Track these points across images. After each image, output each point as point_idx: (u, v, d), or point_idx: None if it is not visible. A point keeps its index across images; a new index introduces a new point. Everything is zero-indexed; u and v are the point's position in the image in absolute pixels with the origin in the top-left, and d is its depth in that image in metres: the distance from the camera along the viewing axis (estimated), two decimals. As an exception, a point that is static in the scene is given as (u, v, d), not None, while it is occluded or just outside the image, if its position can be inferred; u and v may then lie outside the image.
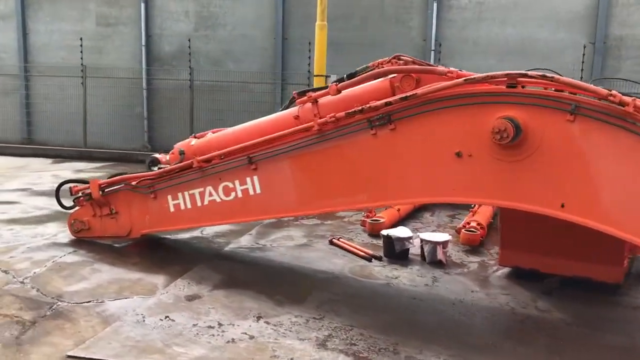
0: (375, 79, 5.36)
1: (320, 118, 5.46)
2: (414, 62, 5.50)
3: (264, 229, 7.45)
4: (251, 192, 5.69)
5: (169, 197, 6.15)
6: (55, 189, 6.86)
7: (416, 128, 4.91)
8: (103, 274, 5.56)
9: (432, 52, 13.92)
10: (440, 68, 5.00)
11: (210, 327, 4.42)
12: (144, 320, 4.48)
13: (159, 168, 6.49)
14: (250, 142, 5.66)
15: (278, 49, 15.46)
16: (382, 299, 5.19)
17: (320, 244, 6.88)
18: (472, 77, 4.69)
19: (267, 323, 4.52)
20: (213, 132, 6.53)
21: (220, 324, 4.47)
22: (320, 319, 4.64)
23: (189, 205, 6.04)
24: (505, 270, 6.02)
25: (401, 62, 5.57)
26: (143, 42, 16.23)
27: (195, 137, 6.75)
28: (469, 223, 7.26)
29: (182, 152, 6.15)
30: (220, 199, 5.85)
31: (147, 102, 16.40)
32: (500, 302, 5.20)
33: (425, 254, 6.28)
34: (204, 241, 6.89)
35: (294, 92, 6.12)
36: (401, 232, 6.48)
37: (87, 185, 6.56)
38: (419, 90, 4.84)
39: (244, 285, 5.34)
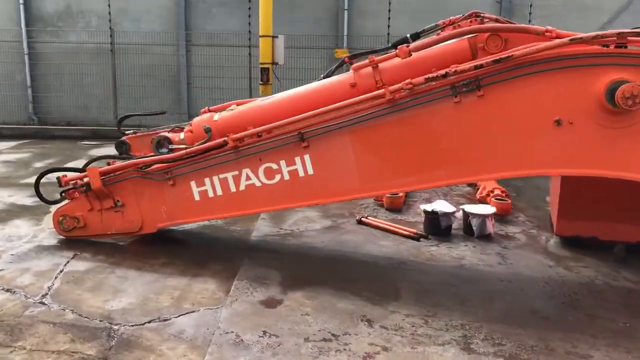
0: (451, 39, 4.74)
1: (382, 85, 4.81)
2: (497, 21, 4.94)
3: (272, 212, 6.65)
4: (301, 173, 4.91)
5: (193, 183, 5.18)
6: (35, 180, 5.57)
7: (509, 94, 4.40)
8: (136, 282, 4.56)
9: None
10: (536, 27, 4.50)
11: (325, 339, 3.68)
12: (242, 340, 3.64)
13: (170, 150, 5.45)
14: (301, 116, 4.84)
15: (181, 8, 14.27)
16: (473, 285, 4.70)
17: (349, 225, 6.24)
18: (578, 36, 4.24)
19: (384, 328, 3.86)
20: (237, 104, 5.58)
21: (334, 335, 3.74)
22: (434, 315, 4.07)
23: (219, 192, 5.13)
24: (556, 239, 5.78)
25: (479, 20, 4.99)
26: (21, 0, 14.23)
27: (210, 111, 5.77)
28: (492, 191, 6.95)
29: (208, 130, 5.16)
30: (261, 182, 5.01)
31: (29, 69, 14.56)
32: (587, 275, 4.92)
33: (474, 227, 5.87)
34: (220, 230, 5.98)
35: (344, 56, 5.36)
36: (443, 206, 6.01)
37: (82, 174, 5.38)
38: (517, 52, 4.30)
39: (314, 282, 4.60)
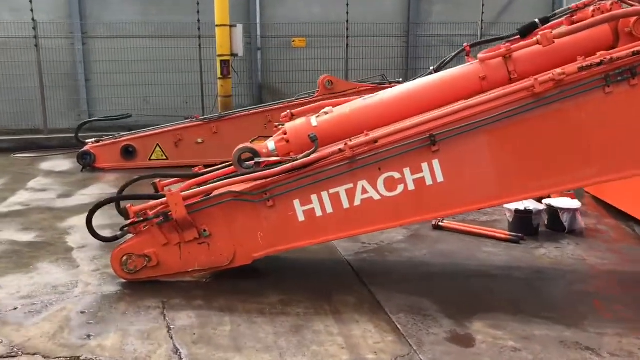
0: (601, 23, 4.30)
1: (516, 77, 4.32)
2: (640, 3, 4.57)
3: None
4: (428, 181, 4.28)
5: (297, 201, 4.36)
6: (88, 214, 4.42)
7: (666, 82, 4.09)
8: (278, 331, 3.68)
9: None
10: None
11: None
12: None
13: (256, 163, 4.54)
14: (431, 116, 4.22)
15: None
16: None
17: (426, 230, 5.68)
18: None
19: (615, 355, 3.38)
20: (333, 106, 4.76)
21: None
22: (642, 331, 3.66)
23: (329, 210, 4.35)
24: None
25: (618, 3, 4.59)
26: None
27: (293, 115, 4.91)
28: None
29: (315, 138, 4.32)
30: (380, 195, 4.31)
31: None
32: None
33: (564, 222, 5.56)
34: (294, 252, 5.13)
35: (465, 44, 4.75)
36: (532, 203, 5.64)
37: (156, 202, 4.33)
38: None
39: (477, 307, 4.00)
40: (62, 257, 5.04)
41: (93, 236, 4.50)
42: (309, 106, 5.03)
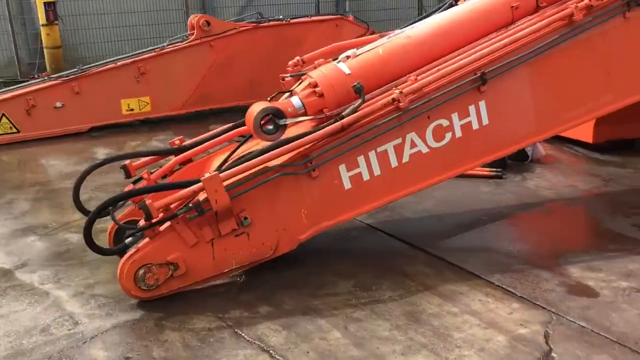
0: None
1: (545, 4, 4.12)
2: None
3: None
4: (475, 125, 3.95)
5: (342, 167, 3.67)
6: (86, 222, 3.15)
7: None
8: (408, 332, 3.07)
9: None
10: None
11: None
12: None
13: (283, 124, 3.64)
14: (479, 54, 3.81)
15: None
16: None
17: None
18: None
19: None
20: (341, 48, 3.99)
21: None
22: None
23: (376, 172, 3.77)
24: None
25: None
26: None
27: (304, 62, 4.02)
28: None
29: (360, 88, 3.57)
30: (429, 147, 3.86)
31: None
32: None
33: (528, 152, 5.69)
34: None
35: None
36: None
37: (189, 190, 3.22)
38: None
39: (570, 250, 3.86)
40: (8, 286, 3.60)
41: (93, 249, 3.25)
42: (318, 51, 4.20)
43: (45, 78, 7.36)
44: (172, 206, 3.25)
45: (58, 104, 7.27)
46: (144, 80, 7.69)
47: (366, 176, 3.73)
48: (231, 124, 4.19)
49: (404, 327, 3.06)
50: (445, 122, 3.82)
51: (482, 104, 3.89)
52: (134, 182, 3.88)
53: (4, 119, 7.01)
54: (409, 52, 3.90)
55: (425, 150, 3.81)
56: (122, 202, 3.53)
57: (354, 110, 3.57)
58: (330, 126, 3.52)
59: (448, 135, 3.85)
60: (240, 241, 3.46)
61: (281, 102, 3.75)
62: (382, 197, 3.83)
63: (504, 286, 3.43)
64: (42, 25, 9.10)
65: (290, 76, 3.98)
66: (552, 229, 4.36)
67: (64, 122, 7.32)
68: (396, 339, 2.95)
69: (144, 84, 7.70)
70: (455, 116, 3.84)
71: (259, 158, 3.39)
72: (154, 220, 3.21)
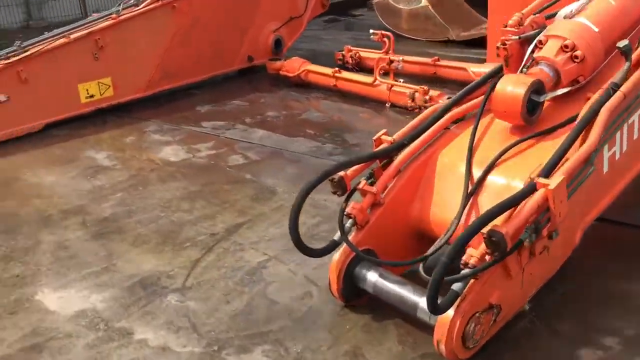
0: None
1: None
2: None
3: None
4: None
5: (605, 147, 3.07)
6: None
7: None
8: None
9: None
10: None
11: None
12: None
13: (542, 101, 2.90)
14: None
15: None
16: None
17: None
18: None
19: None
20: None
21: None
22: None
23: (624, 147, 3.21)
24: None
25: None
26: None
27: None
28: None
29: (628, 49, 2.92)
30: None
31: None
32: None
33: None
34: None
35: None
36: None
37: (528, 204, 2.38)
38: None
39: None
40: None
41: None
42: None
43: (-26, 63, 5.37)
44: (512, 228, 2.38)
45: (2, 98, 5.37)
46: (103, 57, 6.02)
47: (617, 154, 3.17)
48: (448, 100, 3.30)
49: None
50: None
51: None
52: (347, 198, 2.86)
53: None
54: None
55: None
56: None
57: (624, 77, 2.96)
58: (614, 98, 2.86)
59: None
60: (541, 259, 2.71)
61: (534, 73, 2.98)
62: (627, 175, 3.31)
63: None
64: None
65: (520, 38, 3.16)
66: None
67: (10, 122, 5.44)
68: None
69: (103, 61, 6.03)
70: None
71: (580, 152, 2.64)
72: (488, 258, 2.34)
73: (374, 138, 3.09)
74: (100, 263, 3.42)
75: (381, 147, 3.02)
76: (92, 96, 6.05)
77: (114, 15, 6.14)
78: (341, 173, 2.85)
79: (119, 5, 6.35)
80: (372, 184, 2.92)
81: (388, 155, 3.00)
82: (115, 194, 4.32)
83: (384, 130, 3.11)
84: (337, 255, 2.82)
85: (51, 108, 5.73)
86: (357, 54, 7.52)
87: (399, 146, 3.02)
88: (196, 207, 4.09)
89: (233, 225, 3.80)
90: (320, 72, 6.84)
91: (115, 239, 3.69)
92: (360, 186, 2.87)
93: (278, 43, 7.82)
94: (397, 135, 3.09)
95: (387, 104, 6.13)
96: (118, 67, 6.18)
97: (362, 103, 6.32)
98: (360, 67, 7.46)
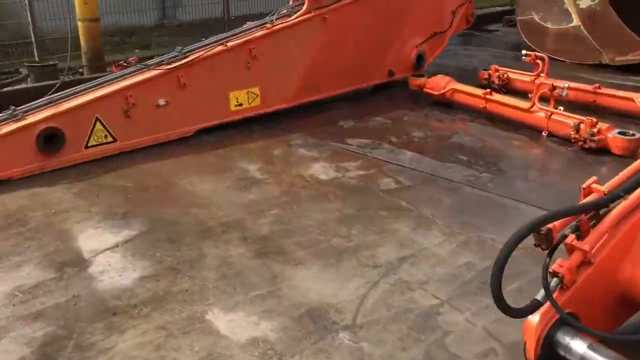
0: None
1: None
2: None
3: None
4: None
5: None
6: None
7: None
8: None
9: None
10: None
11: None
12: None
13: None
14: None
15: None
16: None
17: None
18: None
19: None
20: None
21: None
22: None
23: None
24: None
25: None
26: None
27: None
28: None
29: None
30: None
31: None
32: None
33: None
34: None
35: None
36: None
37: None
38: None
39: None
40: None
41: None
42: None
43: (140, 66, 5.56)
44: None
45: (161, 102, 5.53)
46: (255, 66, 6.07)
47: None
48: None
49: None
50: None
51: None
52: (551, 253, 2.58)
53: (98, 125, 5.21)
54: None
55: None
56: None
57: None
58: None
59: None
60: None
61: None
62: None
63: None
64: (78, -9, 7.08)
65: None
66: None
67: (167, 125, 5.60)
68: None
69: (254, 71, 6.08)
70: None
71: None
72: None
73: (583, 186, 2.77)
74: (266, 286, 3.35)
75: (592, 197, 2.72)
76: (240, 104, 6.12)
77: (268, 25, 6.18)
78: (549, 225, 2.58)
79: (273, 15, 6.40)
80: (578, 239, 2.64)
81: (600, 208, 2.69)
82: (271, 210, 4.27)
83: (593, 178, 2.79)
84: (536, 316, 2.56)
85: (203, 114, 5.85)
86: (505, 75, 7.16)
87: (614, 198, 2.70)
88: (353, 232, 3.96)
89: (396, 259, 3.61)
90: (469, 93, 6.53)
91: (277, 259, 3.62)
92: (569, 241, 2.59)
93: (420, 58, 7.61)
94: (610, 185, 2.77)
95: (543, 133, 5.73)
96: (267, 77, 6.22)
97: (515, 129, 5.96)
98: (507, 88, 7.09)
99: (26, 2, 7.12)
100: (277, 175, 4.96)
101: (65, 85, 6.14)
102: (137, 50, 9.20)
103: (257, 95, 6.22)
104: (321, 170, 5.04)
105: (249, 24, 6.37)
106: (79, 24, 7.23)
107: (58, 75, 6.94)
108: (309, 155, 5.40)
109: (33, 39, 7.16)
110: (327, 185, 4.74)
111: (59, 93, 5.20)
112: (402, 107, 6.86)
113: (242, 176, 4.91)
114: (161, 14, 12.34)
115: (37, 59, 7.22)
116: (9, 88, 5.41)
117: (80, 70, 7.43)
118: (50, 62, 7.10)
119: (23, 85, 6.52)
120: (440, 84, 6.84)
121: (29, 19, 7.11)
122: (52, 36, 7.96)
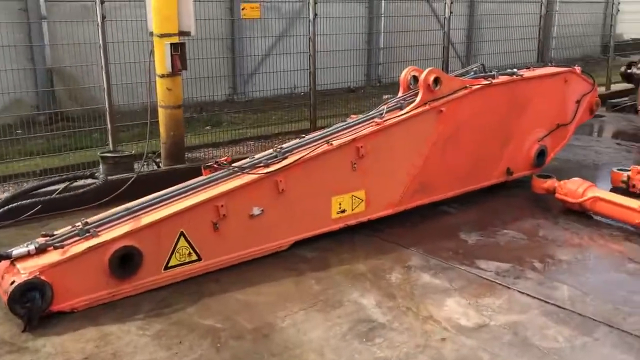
0: None
1: None
2: None
3: None
4: None
5: None
6: None
7: None
8: None
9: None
10: None
11: None
12: None
13: None
14: None
15: None
16: None
17: None
18: None
19: None
20: None
21: None
22: None
23: None
24: None
25: None
26: None
27: None
28: None
29: None
30: None
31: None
32: None
33: None
34: None
35: None
36: None
37: None
38: None
39: None
40: None
41: None
42: None
43: (233, 169, 4.69)
44: None
45: (256, 211, 4.62)
46: (361, 167, 5.12)
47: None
48: None
49: None
50: None
51: None
52: None
53: (181, 242, 4.32)
54: None
55: None
56: None
57: None
58: None
59: None
60: None
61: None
62: None
63: None
64: (161, 76, 6.43)
65: None
66: None
67: (260, 238, 4.66)
68: None
69: (360, 171, 5.14)
70: None
71: None
72: None
73: None
74: None
75: None
76: (343, 211, 5.14)
77: (377, 120, 5.28)
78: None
79: (382, 106, 5.51)
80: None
81: None
82: (411, 379, 3.19)
83: None
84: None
85: (302, 223, 4.89)
86: (652, 179, 5.98)
87: None
88: None
89: None
90: (619, 204, 5.35)
91: None
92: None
93: (541, 154, 6.55)
94: None
95: None
96: (373, 178, 5.25)
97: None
98: (650, 195, 5.90)
99: (104, 86, 6.48)
100: (403, 315, 3.88)
101: (141, 182, 5.41)
102: (207, 127, 8.53)
103: (362, 200, 5.24)
104: (459, 310, 3.93)
105: (354, 118, 5.49)
106: (160, 110, 6.54)
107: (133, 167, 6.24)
108: (437, 285, 4.31)
109: (109, 126, 6.48)
110: (474, 337, 3.61)
111: (137, 203, 4.34)
112: (530, 215, 5.73)
113: (359, 317, 3.85)
114: (231, 90, 11.83)
115: (111, 147, 6.53)
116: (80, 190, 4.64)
117: (157, 160, 6.69)
118: (126, 153, 6.39)
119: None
120: (576, 189, 5.71)
121: (106, 105, 6.46)
122: (126, 121, 7.35)
